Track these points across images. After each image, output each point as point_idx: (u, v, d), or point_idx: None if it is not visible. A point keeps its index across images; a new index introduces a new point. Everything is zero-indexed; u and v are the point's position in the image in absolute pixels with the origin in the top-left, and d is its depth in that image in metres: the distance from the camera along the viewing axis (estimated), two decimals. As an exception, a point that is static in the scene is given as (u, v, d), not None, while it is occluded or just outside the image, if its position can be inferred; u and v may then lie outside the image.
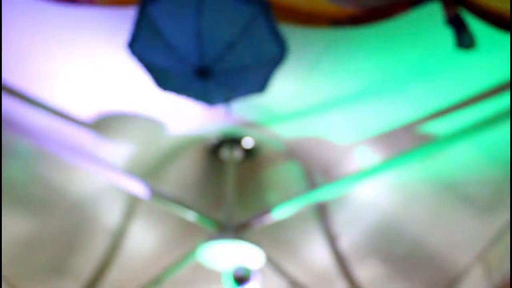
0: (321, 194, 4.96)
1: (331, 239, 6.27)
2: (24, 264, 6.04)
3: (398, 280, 6.53)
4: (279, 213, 5.03)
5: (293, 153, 5.39)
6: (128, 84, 4.31)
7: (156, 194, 4.93)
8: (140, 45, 2.98)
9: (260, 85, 3.19)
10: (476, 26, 3.00)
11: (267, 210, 5.06)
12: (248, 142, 5.32)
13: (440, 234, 5.64)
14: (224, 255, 4.84)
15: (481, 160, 4.66)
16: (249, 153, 5.47)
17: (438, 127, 4.44)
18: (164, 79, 3.13)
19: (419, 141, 4.50)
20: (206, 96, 3.19)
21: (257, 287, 4.90)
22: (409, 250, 6.06)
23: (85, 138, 4.79)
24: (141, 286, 6.90)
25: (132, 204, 5.89)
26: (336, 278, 6.74)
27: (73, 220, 5.81)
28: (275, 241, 6.24)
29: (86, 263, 6.43)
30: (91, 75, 4.17)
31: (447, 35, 3.02)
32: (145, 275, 6.82)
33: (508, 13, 2.97)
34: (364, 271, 6.62)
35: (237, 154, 5.36)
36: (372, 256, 6.39)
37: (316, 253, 6.54)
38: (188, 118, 4.84)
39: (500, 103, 4.02)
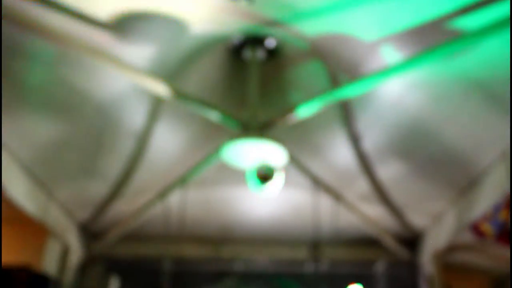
0: (345, 92, 4.89)
1: (354, 139, 6.30)
2: (55, 166, 6.24)
3: (420, 179, 6.61)
4: (303, 112, 5.01)
5: (317, 51, 5.29)
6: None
7: (179, 95, 4.92)
8: None
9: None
10: None
11: (290, 109, 5.03)
12: (271, 42, 5.22)
13: (464, 133, 5.60)
14: (248, 154, 4.89)
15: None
16: (272, 53, 5.38)
17: (466, 23, 4.28)
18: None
19: (446, 37, 4.34)
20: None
21: (280, 185, 4.98)
22: (432, 150, 6.07)
23: (106, 40, 4.75)
24: (166, 187, 7.11)
25: (156, 106, 5.92)
26: (358, 176, 6.86)
27: (98, 123, 5.90)
28: (298, 140, 6.29)
29: (113, 165, 6.62)
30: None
31: None
32: (170, 175, 7.01)
33: None
34: (386, 171, 6.71)
35: (260, 54, 5.28)
36: (395, 156, 6.43)
37: (339, 153, 6.61)
38: (210, 18, 4.74)
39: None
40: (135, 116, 5.97)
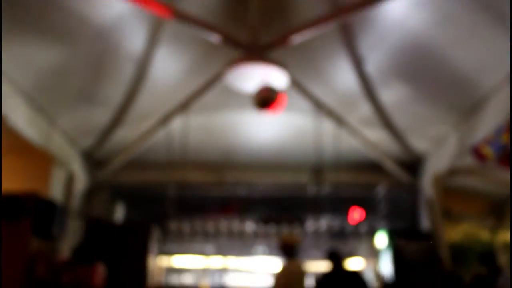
0: (348, 14, 4.78)
1: (357, 62, 6.22)
2: (56, 93, 6.20)
3: (422, 103, 6.57)
4: (304, 34, 4.91)
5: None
6: None
7: (180, 16, 4.81)
8: None
9: None
10: None
11: (292, 31, 4.93)
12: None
13: (469, 55, 5.49)
14: (250, 76, 4.83)
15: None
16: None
17: None
18: None
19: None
20: None
21: (283, 106, 4.95)
22: (435, 72, 5.99)
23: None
24: (168, 112, 7.10)
25: (156, 29, 5.82)
26: (361, 100, 6.82)
27: (98, 48, 5.81)
28: (300, 64, 6.20)
29: (114, 91, 6.58)
30: None
31: None
32: (172, 101, 6.99)
33: None
34: (388, 94, 6.67)
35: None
36: (398, 79, 6.37)
37: (342, 76, 6.55)
38: None
39: None
40: (135, 40, 5.87)
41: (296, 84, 6.39)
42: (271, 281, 5.10)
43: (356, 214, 8.12)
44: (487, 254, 6.12)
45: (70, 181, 7.59)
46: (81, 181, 7.87)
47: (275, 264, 8.48)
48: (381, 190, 8.46)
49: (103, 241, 7.12)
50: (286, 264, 4.97)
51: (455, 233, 8.41)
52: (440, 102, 6.48)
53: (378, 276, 7.84)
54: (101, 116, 7.00)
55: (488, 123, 5.76)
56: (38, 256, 5.61)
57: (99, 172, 8.10)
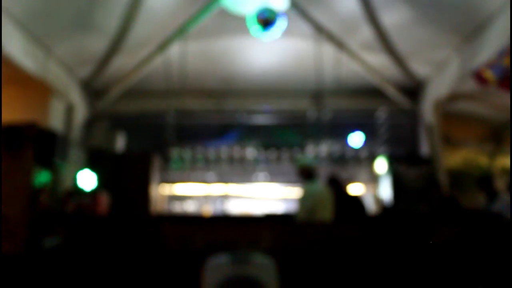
0: None
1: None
2: (50, 21, 6.06)
3: (424, 26, 6.44)
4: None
5: None
6: None
7: None
8: None
9: None
10: None
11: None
12: None
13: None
14: (249, -2, 4.69)
15: None
16: None
17: None
18: None
19: None
20: None
21: (282, 30, 4.85)
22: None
23: None
24: (166, 38, 6.97)
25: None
26: (361, 24, 6.69)
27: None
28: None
29: (110, 17, 6.43)
30: None
31: None
32: (169, 27, 6.84)
33: None
34: (390, 17, 6.53)
35: None
36: (400, 1, 6.21)
37: (342, -1, 6.40)
38: None
39: None
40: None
41: (295, 7, 6.24)
42: (295, 206, 5.00)
43: (356, 138, 8.15)
44: (484, 179, 6.17)
45: (69, 111, 7.56)
46: (80, 112, 7.84)
47: (277, 190, 8.58)
48: (381, 115, 8.44)
49: (105, 171, 7.16)
50: (308, 187, 4.86)
51: (454, 158, 8.47)
52: (442, 25, 6.35)
53: (378, 201, 7.95)
54: (98, 44, 6.88)
55: (490, 46, 5.68)
56: (42, 186, 5.65)
57: (98, 102, 8.06)
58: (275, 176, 8.50)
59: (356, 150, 8.53)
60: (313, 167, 4.89)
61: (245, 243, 3.94)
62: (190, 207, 8.69)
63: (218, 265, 3.37)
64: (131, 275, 4.05)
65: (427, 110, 7.83)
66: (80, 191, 6.71)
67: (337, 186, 5.51)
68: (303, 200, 4.73)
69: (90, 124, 8.14)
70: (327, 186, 5.08)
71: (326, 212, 4.65)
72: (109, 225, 4.71)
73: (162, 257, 4.12)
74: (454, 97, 7.38)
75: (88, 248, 4.34)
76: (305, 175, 4.88)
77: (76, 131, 7.74)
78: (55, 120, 7.15)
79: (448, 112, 7.84)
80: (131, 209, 7.03)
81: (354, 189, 8.41)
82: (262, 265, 3.34)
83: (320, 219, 4.51)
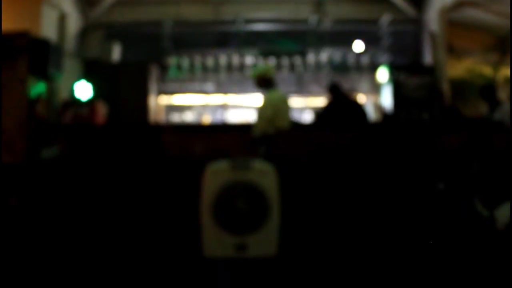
0: None
1: None
2: None
3: None
4: None
5: None
6: None
7: None
8: None
9: None
10: None
11: None
12: None
13: None
14: None
15: None
16: None
17: None
18: None
19: None
20: None
21: None
22: None
23: None
24: None
25: None
26: None
27: None
28: None
29: None
30: None
31: None
32: None
33: None
34: None
35: None
36: None
37: None
38: None
39: None
40: None
41: None
42: (254, 115, 4.77)
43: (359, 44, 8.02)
44: (487, 88, 6.10)
45: (62, 20, 7.34)
46: (73, 21, 7.61)
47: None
48: (384, 23, 8.22)
49: (101, 81, 7.05)
50: (268, 95, 4.60)
51: (457, 68, 8.35)
52: None
53: (379, 109, 7.90)
54: None
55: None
56: (39, 96, 5.57)
57: (92, 11, 7.80)
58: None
59: (358, 59, 8.36)
60: (270, 75, 4.69)
61: (245, 150, 3.90)
62: (188, 118, 8.64)
63: (218, 171, 3.34)
64: (130, 182, 4.04)
65: (432, 18, 7.64)
66: (76, 102, 6.64)
67: (338, 92, 5.42)
68: (262, 109, 4.55)
69: (84, 34, 7.93)
70: (284, 94, 4.86)
71: (285, 121, 4.53)
72: (107, 134, 4.67)
73: (161, 164, 4.09)
74: (459, 4, 7.17)
75: (86, 157, 4.32)
76: (263, 83, 4.68)
77: (70, 42, 7.55)
78: (48, 31, 6.95)
79: (453, 21, 7.66)
80: (129, 119, 6.98)
81: (355, 98, 8.34)
82: (262, 171, 3.30)
83: (279, 128, 4.39)
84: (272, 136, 4.11)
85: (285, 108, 4.63)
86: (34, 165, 4.48)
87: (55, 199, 3.91)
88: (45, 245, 3.18)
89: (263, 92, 4.69)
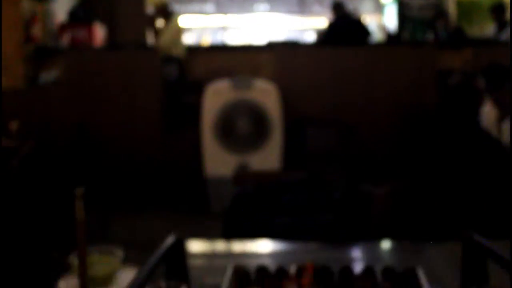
0: None
1: None
2: None
3: None
4: None
5: None
6: None
7: None
8: None
9: None
10: None
11: None
12: None
13: None
14: None
15: None
16: None
17: None
18: None
19: None
20: None
21: None
22: None
23: None
24: None
25: None
26: None
27: None
28: None
29: None
30: None
31: None
32: None
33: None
34: None
35: None
36: None
37: None
38: None
39: None
40: None
41: None
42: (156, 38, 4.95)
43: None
44: (498, 7, 6.01)
45: None
46: None
47: (279, 20, 8.28)
48: None
49: (98, 3, 6.86)
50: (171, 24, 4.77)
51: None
52: None
53: (382, 29, 7.74)
54: None
55: None
56: (33, 17, 5.43)
57: None
58: (276, 6, 8.15)
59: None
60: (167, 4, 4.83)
61: (246, 70, 3.84)
62: (187, 40, 8.50)
63: (219, 90, 3.30)
64: (135, 107, 4.03)
65: None
66: (73, 24, 6.48)
67: (342, 11, 5.33)
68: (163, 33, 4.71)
69: None
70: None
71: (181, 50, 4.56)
72: (106, 57, 4.61)
73: (161, 86, 4.05)
74: None
75: (85, 80, 4.27)
76: (164, 13, 4.81)
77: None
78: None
79: None
80: (128, 41, 6.86)
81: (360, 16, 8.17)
82: (263, 89, 3.26)
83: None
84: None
85: (181, 37, 4.70)
86: (34, 90, 4.46)
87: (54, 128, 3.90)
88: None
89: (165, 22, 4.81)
